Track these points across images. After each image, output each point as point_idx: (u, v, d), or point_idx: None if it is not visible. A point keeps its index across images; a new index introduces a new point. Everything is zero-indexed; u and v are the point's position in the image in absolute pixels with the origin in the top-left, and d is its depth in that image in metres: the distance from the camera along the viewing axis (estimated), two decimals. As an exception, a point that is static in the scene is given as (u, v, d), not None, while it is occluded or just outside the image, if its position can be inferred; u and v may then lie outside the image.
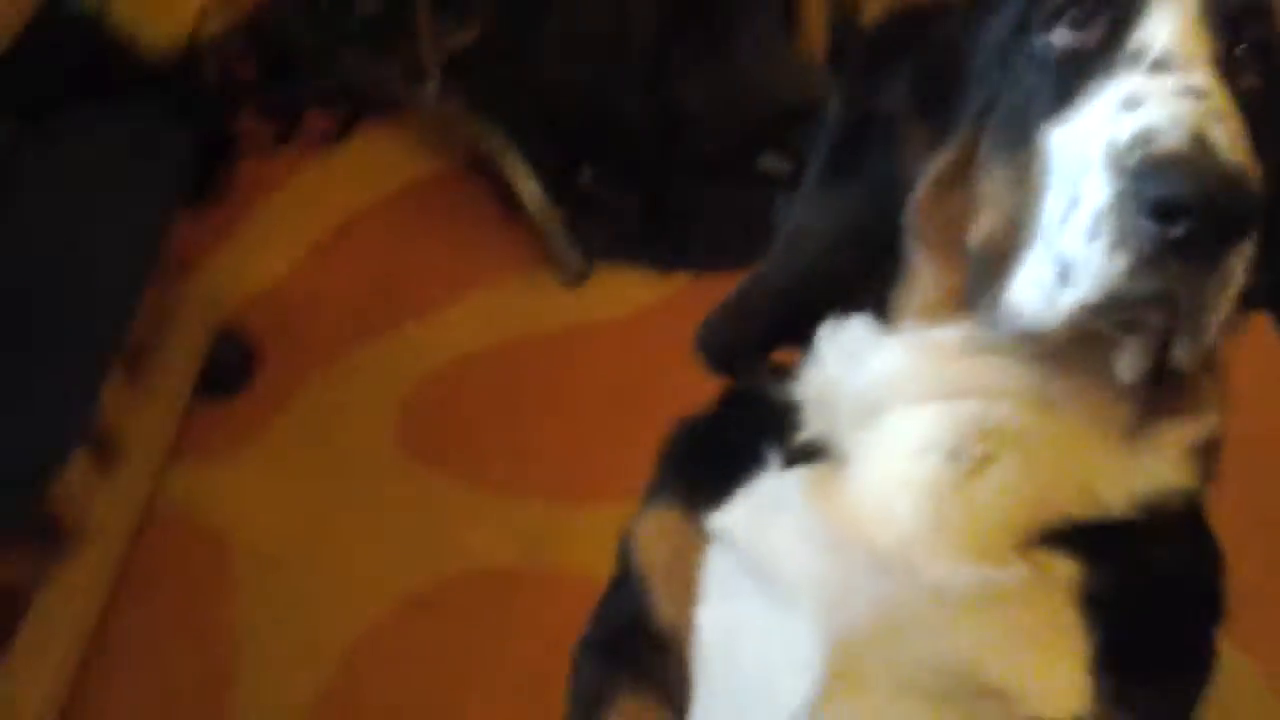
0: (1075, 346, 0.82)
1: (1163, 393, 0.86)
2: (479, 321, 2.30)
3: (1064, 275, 0.77)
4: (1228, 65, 0.80)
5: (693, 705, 0.96)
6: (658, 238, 2.29)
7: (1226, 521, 0.94)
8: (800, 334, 0.94)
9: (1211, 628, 0.93)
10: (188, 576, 2.00)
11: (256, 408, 2.21)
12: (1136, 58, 0.79)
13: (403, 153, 2.63)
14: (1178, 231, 0.72)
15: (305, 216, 2.53)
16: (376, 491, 2.08)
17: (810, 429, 0.91)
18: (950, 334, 0.86)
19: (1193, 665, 0.92)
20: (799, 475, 0.90)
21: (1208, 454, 0.89)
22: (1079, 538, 0.85)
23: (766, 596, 0.89)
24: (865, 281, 0.92)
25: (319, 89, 2.70)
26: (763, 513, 0.91)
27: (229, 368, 2.22)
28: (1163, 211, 0.72)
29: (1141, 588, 0.87)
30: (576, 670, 1.05)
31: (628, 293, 2.29)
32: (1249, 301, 0.90)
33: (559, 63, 2.31)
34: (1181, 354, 0.79)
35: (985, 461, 0.84)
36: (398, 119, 2.68)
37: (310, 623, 1.92)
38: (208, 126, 2.53)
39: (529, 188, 2.34)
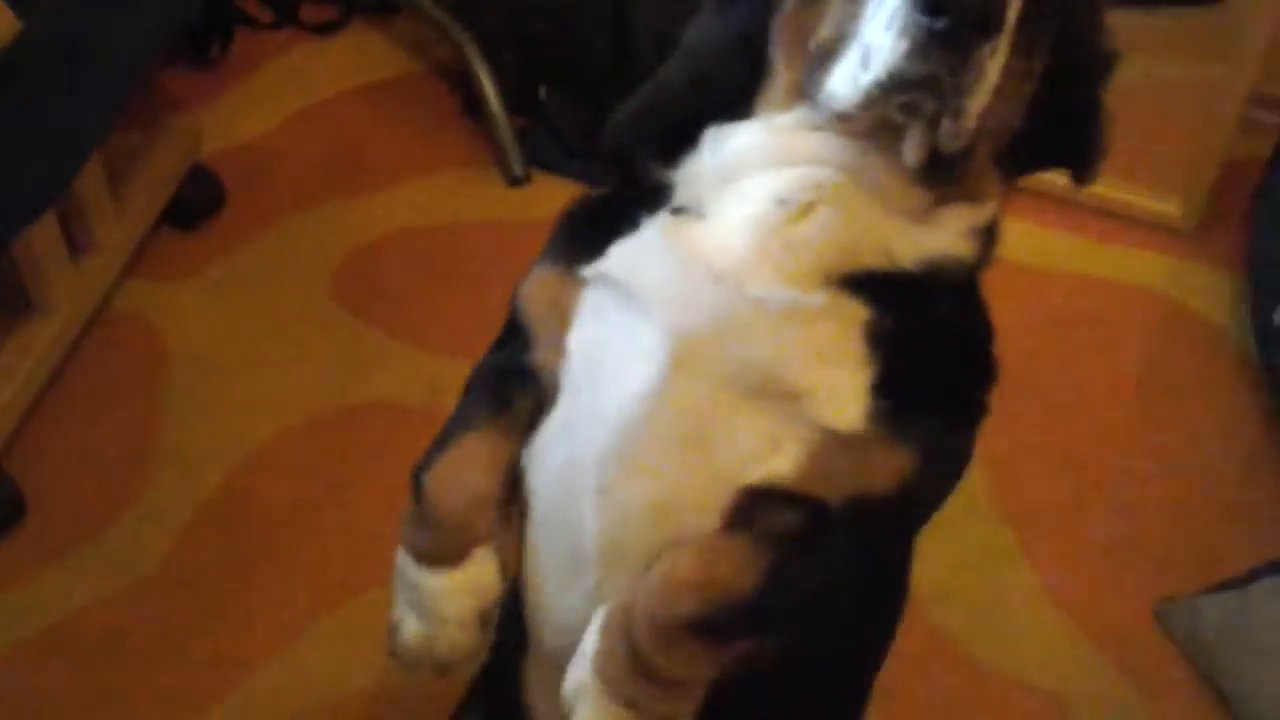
0: (879, 134, 1.02)
1: (948, 183, 1.05)
2: (425, 203, 2.55)
3: (865, 60, 0.97)
4: None
5: (554, 412, 1.15)
6: (594, 156, 2.54)
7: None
8: (688, 137, 1.11)
9: (981, 386, 1.15)
10: (128, 368, 2.25)
11: (213, 242, 2.46)
12: None
13: (385, 51, 2.89)
14: (940, 24, 0.92)
15: (288, 90, 2.78)
16: (304, 328, 2.33)
17: (680, 199, 1.11)
18: (790, 117, 1.06)
19: (961, 411, 1.14)
20: (662, 221, 1.10)
21: (986, 238, 1.10)
22: (873, 287, 1.05)
23: (626, 311, 1.09)
24: (742, 92, 1.10)
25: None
26: (629, 251, 1.10)
27: (197, 203, 2.47)
28: (932, 8, 0.92)
29: (919, 335, 1.07)
30: (457, 405, 1.23)
31: (560, 200, 2.52)
32: (1045, 158, 1.15)
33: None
34: (947, 135, 0.98)
35: (806, 209, 1.04)
36: (386, 22, 2.94)
37: (226, 424, 2.17)
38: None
39: (491, 95, 2.59)
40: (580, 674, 1.11)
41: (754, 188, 1.06)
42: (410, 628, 1.21)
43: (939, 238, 1.07)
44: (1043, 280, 2.44)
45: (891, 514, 1.11)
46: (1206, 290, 2.43)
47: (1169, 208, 2.51)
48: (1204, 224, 2.52)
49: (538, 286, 1.19)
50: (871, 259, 1.05)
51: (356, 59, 2.87)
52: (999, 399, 2.12)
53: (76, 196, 2.13)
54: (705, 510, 1.08)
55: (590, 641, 1.11)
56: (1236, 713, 1.86)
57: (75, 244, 2.17)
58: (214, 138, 2.63)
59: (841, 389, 1.05)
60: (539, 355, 1.17)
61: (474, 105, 2.66)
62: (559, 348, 1.14)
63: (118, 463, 2.12)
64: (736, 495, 1.07)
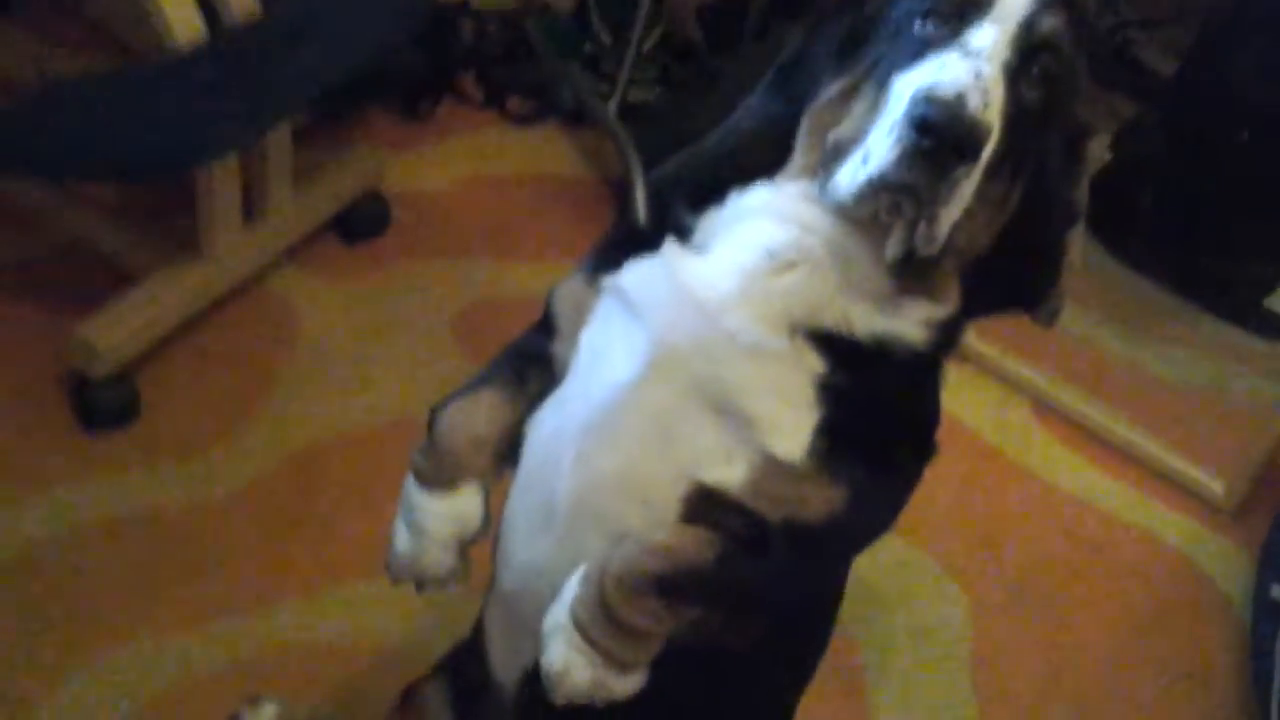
0: (869, 226, 1.19)
1: (916, 280, 1.21)
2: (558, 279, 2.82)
3: (865, 159, 1.14)
4: (1018, 75, 1.17)
5: (559, 392, 1.35)
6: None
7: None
8: (717, 195, 1.28)
9: (914, 456, 1.32)
10: (261, 335, 2.55)
11: (368, 259, 2.76)
12: (962, 48, 1.15)
13: (568, 151, 3.21)
14: (925, 142, 1.09)
15: (474, 160, 3.10)
16: (418, 349, 2.60)
17: (696, 235, 1.28)
18: (798, 187, 1.23)
19: (892, 471, 1.30)
20: (670, 249, 1.28)
21: (942, 334, 1.26)
22: (832, 346, 1.22)
23: (627, 318, 1.27)
24: (768, 167, 1.26)
25: (530, 81, 3.30)
26: (640, 270, 1.29)
27: (364, 222, 2.77)
28: (920, 128, 1.09)
29: (864, 396, 1.23)
30: (485, 367, 1.43)
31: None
32: (1007, 303, 1.33)
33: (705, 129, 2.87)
34: (922, 239, 1.15)
35: (788, 266, 1.21)
36: (576, 128, 3.27)
37: (325, 404, 2.44)
38: (441, 66, 3.17)
39: (641, 207, 2.88)
40: (558, 614, 1.28)
41: (751, 236, 1.24)
42: (402, 540, 1.42)
43: (894, 322, 1.23)
44: (1081, 510, 2.63)
45: (821, 540, 1.27)
46: (1226, 563, 2.59)
47: (1214, 486, 2.70)
48: (1242, 509, 2.69)
49: (567, 290, 1.38)
50: (831, 322, 1.22)
51: (542, 151, 3.20)
52: (1005, 590, 2.32)
53: (263, 174, 2.46)
54: (662, 492, 1.26)
55: (570, 589, 1.28)
56: None
57: (251, 213, 2.48)
58: (398, 179, 2.94)
59: (789, 424, 1.22)
60: (558, 346, 1.36)
61: (626, 213, 2.94)
62: (574, 341, 1.33)
63: (225, 405, 2.40)
64: (690, 487, 1.24)
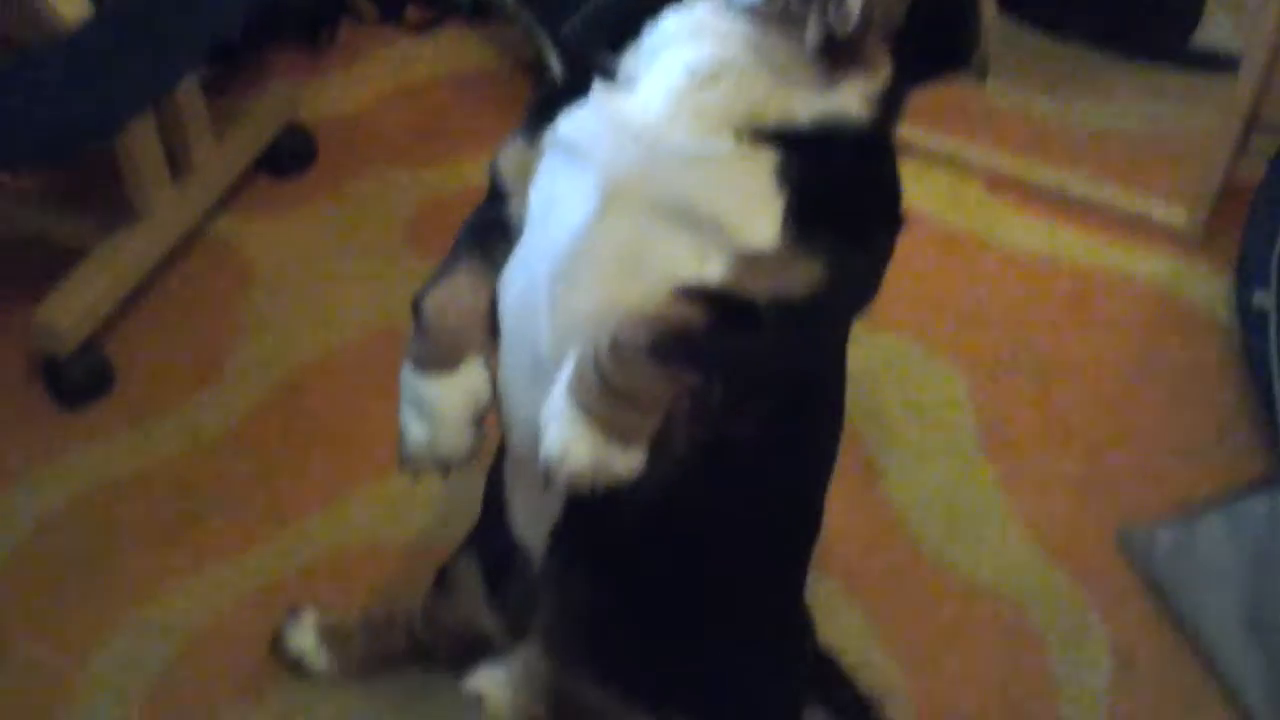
0: (784, 21, 1.24)
1: (843, 60, 1.26)
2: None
3: None
4: None
5: (519, 249, 1.36)
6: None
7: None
8: (633, 32, 1.33)
9: (888, 229, 1.36)
10: (215, 283, 2.55)
11: (303, 190, 2.75)
12: None
13: (476, 47, 3.18)
14: None
15: (386, 75, 3.08)
16: (375, 262, 2.60)
17: (621, 73, 1.32)
18: (706, 5, 1.29)
19: (865, 240, 1.33)
20: (599, 91, 1.32)
21: (884, 105, 1.31)
22: (780, 139, 1.26)
23: (571, 164, 1.30)
24: None
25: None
26: (573, 117, 1.32)
27: (291, 154, 2.76)
28: None
29: (823, 175, 1.27)
30: (449, 250, 1.45)
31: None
32: (938, 65, 1.38)
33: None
34: (837, 21, 1.19)
35: (712, 77, 1.25)
36: (479, 24, 3.24)
37: (295, 333, 2.45)
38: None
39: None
40: (554, 399, 1.28)
41: (671, 60, 1.28)
42: (414, 432, 1.42)
43: (834, 100, 1.27)
44: (1053, 269, 2.64)
45: (808, 314, 1.29)
46: (1205, 285, 2.60)
47: (1176, 216, 2.71)
48: (1209, 233, 2.70)
49: (508, 155, 1.41)
50: (773, 117, 1.26)
51: (450, 52, 3.17)
52: (995, 358, 2.28)
53: (182, 129, 2.45)
54: None
55: (564, 373, 1.28)
56: (1180, 624, 2.03)
57: (177, 167, 2.47)
58: (316, 107, 2.93)
59: (755, 215, 1.25)
60: (511, 209, 1.39)
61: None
62: (525, 201, 1.36)
63: (197, 356, 2.40)
64: (673, 291, 1.25)
